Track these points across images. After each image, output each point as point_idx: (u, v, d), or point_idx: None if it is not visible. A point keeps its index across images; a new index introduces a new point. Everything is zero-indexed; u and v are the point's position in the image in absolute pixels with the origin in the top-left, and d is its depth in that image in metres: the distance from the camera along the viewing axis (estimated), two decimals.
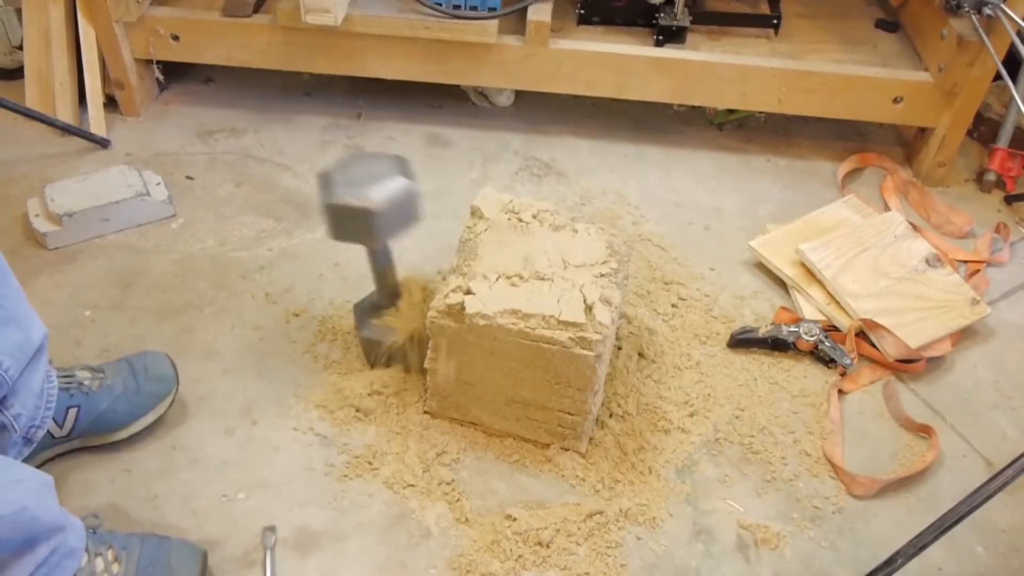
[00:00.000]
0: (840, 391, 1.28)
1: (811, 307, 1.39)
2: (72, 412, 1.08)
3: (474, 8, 1.55)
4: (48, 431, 1.05)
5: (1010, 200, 1.69)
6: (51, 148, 1.63)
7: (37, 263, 1.39)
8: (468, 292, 1.07)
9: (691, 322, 1.37)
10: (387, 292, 1.20)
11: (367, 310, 1.24)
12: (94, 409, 1.09)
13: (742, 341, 1.33)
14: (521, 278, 1.09)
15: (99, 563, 0.95)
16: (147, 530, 1.04)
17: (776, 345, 1.32)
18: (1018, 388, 1.32)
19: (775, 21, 1.70)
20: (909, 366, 1.31)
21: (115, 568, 0.96)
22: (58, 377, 1.06)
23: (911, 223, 1.50)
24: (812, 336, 1.30)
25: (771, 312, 1.40)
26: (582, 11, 1.68)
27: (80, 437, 1.10)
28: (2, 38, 1.71)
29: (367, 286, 1.39)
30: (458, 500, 1.10)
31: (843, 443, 1.21)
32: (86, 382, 1.10)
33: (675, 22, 1.63)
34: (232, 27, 1.62)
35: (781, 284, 1.45)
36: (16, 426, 0.95)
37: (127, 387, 1.12)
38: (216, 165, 1.41)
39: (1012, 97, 1.55)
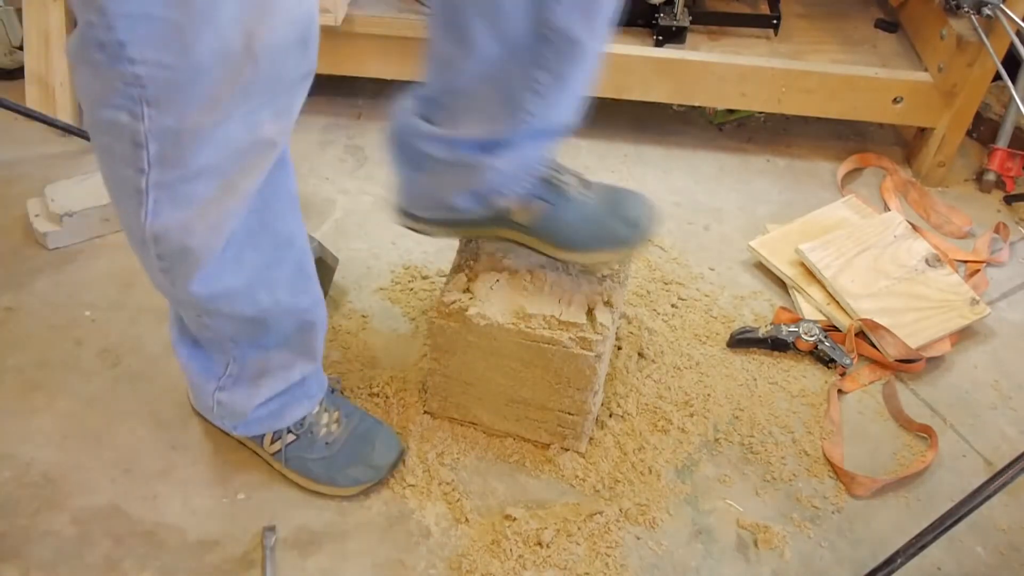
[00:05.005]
0: (840, 391, 1.28)
1: (811, 307, 1.39)
2: (539, 205, 1.02)
3: None
4: (509, 209, 1.03)
5: (1010, 200, 1.69)
6: (51, 148, 1.63)
7: (37, 263, 1.39)
8: (468, 292, 1.08)
9: (691, 322, 1.37)
10: None
11: None
12: (559, 216, 1.02)
13: (742, 341, 1.33)
14: (522, 278, 1.09)
15: (324, 417, 1.10)
16: (148, 529, 1.05)
17: (776, 345, 1.32)
18: (1018, 388, 1.32)
19: (775, 21, 1.70)
20: (909, 366, 1.31)
21: (334, 428, 1.10)
22: (549, 169, 1.03)
23: (911, 223, 1.50)
24: (812, 336, 1.30)
25: (771, 312, 1.40)
26: None
27: (533, 234, 1.05)
28: (2, 38, 1.71)
29: (367, 285, 1.39)
30: (458, 500, 1.10)
31: (843, 443, 1.21)
32: (569, 186, 1.03)
33: (675, 22, 1.63)
34: None
35: (781, 284, 1.45)
36: (486, 177, 0.98)
37: (596, 213, 1.03)
38: None
39: (1012, 97, 1.55)
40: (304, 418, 1.08)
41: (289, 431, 1.08)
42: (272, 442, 1.09)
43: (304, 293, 0.96)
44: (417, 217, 1.08)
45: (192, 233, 0.79)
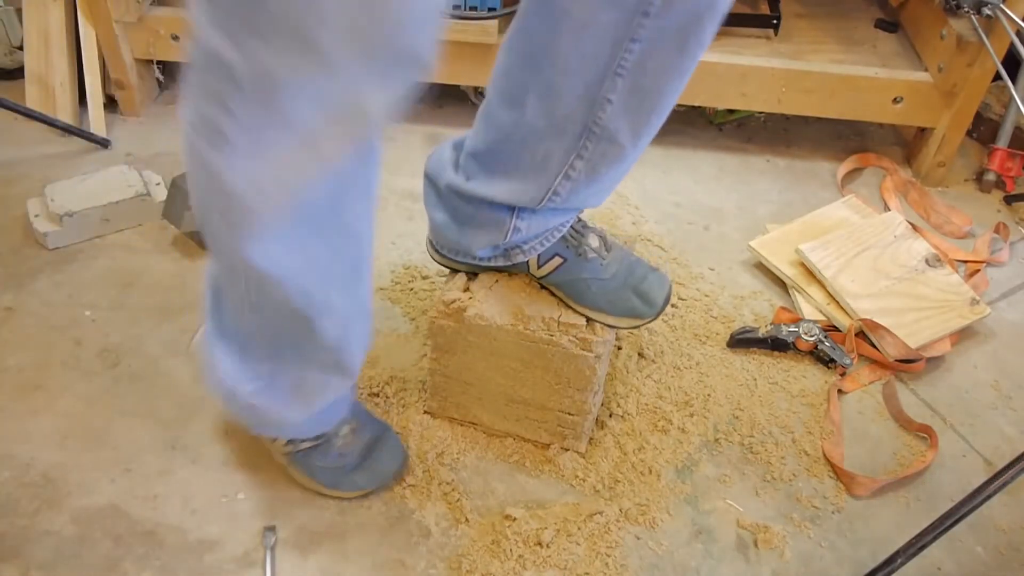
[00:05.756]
0: (840, 391, 1.28)
1: (811, 307, 1.39)
2: (555, 261, 1.06)
3: (474, 8, 1.55)
4: (528, 263, 1.07)
5: (1010, 200, 1.69)
6: (51, 148, 1.63)
7: (37, 263, 1.39)
8: (468, 292, 1.08)
9: (691, 322, 1.37)
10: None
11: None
12: (575, 275, 1.06)
13: (742, 341, 1.33)
14: (521, 279, 1.09)
15: (344, 428, 1.09)
16: (148, 529, 1.05)
17: (776, 345, 1.32)
18: (1018, 388, 1.32)
19: (775, 21, 1.70)
20: (909, 366, 1.31)
21: (350, 438, 1.09)
22: (571, 229, 1.06)
23: (911, 223, 1.50)
24: (812, 336, 1.30)
25: (771, 312, 1.40)
26: None
27: (551, 284, 1.08)
28: (2, 38, 1.71)
29: None
30: (458, 500, 1.10)
31: (843, 443, 1.21)
32: (588, 247, 1.06)
33: None
34: None
35: (781, 284, 1.45)
36: (510, 237, 1.01)
37: (614, 281, 1.06)
38: None
39: (1012, 97, 1.56)
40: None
41: (307, 440, 1.07)
42: (286, 443, 1.07)
43: (352, 298, 0.92)
44: (443, 255, 1.11)
45: (261, 191, 0.75)
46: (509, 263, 1.06)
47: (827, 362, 1.31)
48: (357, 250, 0.90)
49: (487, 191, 0.98)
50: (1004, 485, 0.91)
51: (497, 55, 0.94)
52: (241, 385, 0.98)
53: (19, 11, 1.67)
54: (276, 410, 0.99)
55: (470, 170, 1.01)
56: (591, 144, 0.90)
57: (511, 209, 0.99)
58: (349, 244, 0.88)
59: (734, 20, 1.72)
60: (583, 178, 0.93)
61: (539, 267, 1.06)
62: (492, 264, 1.07)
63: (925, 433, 1.23)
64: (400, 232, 1.50)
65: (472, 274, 1.10)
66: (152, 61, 1.72)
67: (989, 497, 0.91)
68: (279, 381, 0.97)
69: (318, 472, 1.08)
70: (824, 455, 1.19)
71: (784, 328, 1.31)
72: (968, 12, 1.53)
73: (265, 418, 1.01)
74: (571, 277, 1.05)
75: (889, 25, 1.78)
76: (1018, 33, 1.48)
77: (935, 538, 0.93)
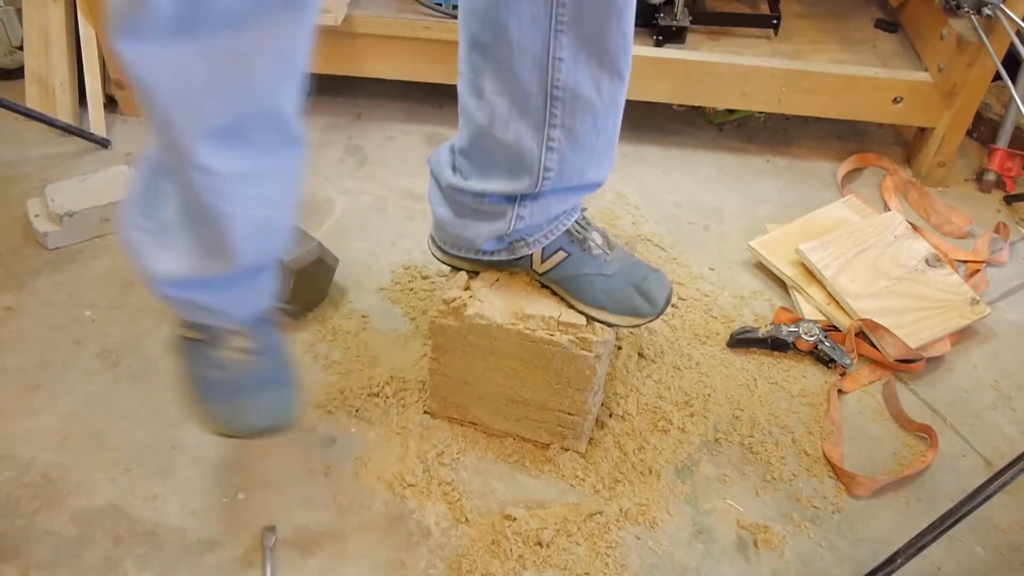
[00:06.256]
0: (840, 391, 1.28)
1: (811, 307, 1.39)
2: (560, 256, 1.06)
3: None
4: (531, 258, 1.06)
5: (1010, 200, 1.69)
6: (51, 148, 1.63)
7: (37, 263, 1.39)
8: (469, 290, 1.08)
9: (691, 322, 1.37)
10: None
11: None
12: (577, 267, 1.05)
13: (742, 341, 1.33)
14: (522, 277, 1.09)
15: (235, 340, 0.97)
16: (148, 529, 1.05)
17: (776, 345, 1.32)
18: (1018, 388, 1.32)
19: (775, 21, 1.70)
20: (909, 366, 1.31)
21: (236, 356, 0.98)
22: (576, 224, 1.07)
23: (911, 223, 1.50)
24: (812, 336, 1.30)
25: (771, 312, 1.40)
26: None
27: (553, 281, 1.08)
28: (2, 38, 1.71)
29: (367, 285, 1.39)
30: (458, 500, 1.10)
31: (843, 443, 1.21)
32: (592, 242, 1.07)
33: (675, 22, 1.63)
34: None
35: (781, 284, 1.45)
36: (513, 226, 1.01)
37: (617, 278, 1.06)
38: None
39: (1012, 97, 1.56)
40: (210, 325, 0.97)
41: (193, 327, 0.97)
42: (181, 326, 0.98)
43: (231, 165, 0.79)
44: (446, 252, 1.11)
45: None
46: (513, 257, 1.06)
47: (827, 362, 1.31)
48: (247, 102, 0.76)
49: (485, 187, 1.00)
50: (1004, 485, 0.91)
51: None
52: (131, 201, 0.89)
53: (19, 11, 1.66)
54: (147, 247, 0.89)
55: (464, 170, 1.02)
56: (558, 109, 0.92)
57: (512, 199, 1.00)
58: (237, 91, 0.75)
59: (734, 20, 1.72)
60: (566, 145, 0.94)
61: (543, 261, 1.06)
62: (496, 259, 1.07)
63: (925, 433, 1.23)
64: (400, 232, 1.50)
65: (473, 272, 1.10)
66: None
67: (989, 497, 0.91)
68: (159, 210, 0.87)
69: (191, 374, 0.99)
70: (824, 455, 1.19)
71: (784, 328, 1.31)
72: (968, 12, 1.53)
73: (139, 255, 0.90)
74: (574, 272, 1.05)
75: (889, 25, 1.78)
76: (1018, 33, 1.48)
77: (935, 538, 0.93)
